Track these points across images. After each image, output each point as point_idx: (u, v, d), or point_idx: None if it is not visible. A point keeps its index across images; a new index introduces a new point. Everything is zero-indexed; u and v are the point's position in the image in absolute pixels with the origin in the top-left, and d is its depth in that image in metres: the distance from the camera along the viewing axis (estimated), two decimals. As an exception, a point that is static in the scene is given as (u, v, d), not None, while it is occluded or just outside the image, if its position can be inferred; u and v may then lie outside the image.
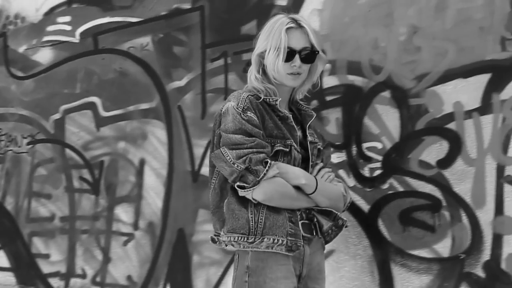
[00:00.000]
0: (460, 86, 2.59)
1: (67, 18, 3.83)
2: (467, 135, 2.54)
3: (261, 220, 2.12)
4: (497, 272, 2.46)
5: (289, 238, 2.12)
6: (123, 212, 3.40)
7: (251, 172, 2.08)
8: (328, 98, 2.87)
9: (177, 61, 3.34)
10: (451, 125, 2.57)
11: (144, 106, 3.42)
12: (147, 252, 3.27)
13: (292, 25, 2.23)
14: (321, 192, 2.21)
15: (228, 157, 2.10)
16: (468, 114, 2.55)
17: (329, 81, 2.88)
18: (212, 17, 3.25)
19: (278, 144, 2.18)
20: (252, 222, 2.12)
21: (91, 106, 3.62)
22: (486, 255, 2.48)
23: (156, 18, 3.45)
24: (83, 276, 3.52)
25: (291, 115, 2.27)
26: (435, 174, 2.59)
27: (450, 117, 2.58)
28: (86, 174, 3.59)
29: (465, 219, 2.52)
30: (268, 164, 2.09)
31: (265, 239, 2.10)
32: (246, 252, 2.13)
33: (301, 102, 2.39)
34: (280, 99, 2.23)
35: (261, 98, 2.19)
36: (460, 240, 2.52)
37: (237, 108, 2.14)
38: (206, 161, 3.11)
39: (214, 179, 2.25)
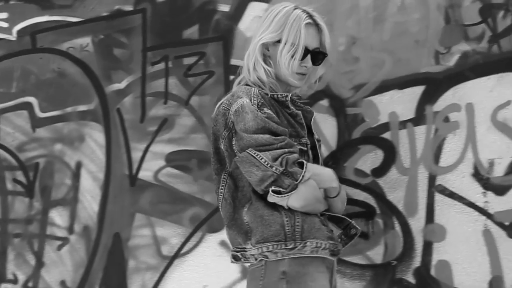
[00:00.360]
0: (396, 97, 2.65)
1: (4, 15, 3.71)
2: (401, 145, 2.62)
3: (298, 224, 1.92)
4: (427, 279, 2.54)
5: (330, 242, 1.96)
6: (58, 216, 3.33)
7: (287, 175, 1.88)
8: (267, 104, 2.89)
9: (117, 63, 3.30)
10: (386, 135, 2.64)
11: (82, 108, 3.35)
12: (82, 257, 3.21)
13: (309, 21, 2.10)
14: (340, 196, 2.08)
15: (263, 160, 1.87)
16: (403, 124, 2.63)
17: (269, 88, 2.90)
18: (154, 20, 3.23)
19: (296, 144, 2.00)
20: (288, 226, 1.91)
21: (27, 106, 3.52)
22: (417, 261, 2.55)
23: (97, 19, 3.39)
24: (15, 281, 3.42)
25: (300, 112, 2.13)
26: (370, 182, 2.64)
27: (385, 127, 2.65)
28: (20, 176, 3.49)
29: (397, 226, 2.59)
30: (305, 165, 1.91)
31: (308, 243, 1.90)
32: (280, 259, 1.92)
33: (298, 100, 2.27)
34: (290, 95, 2.10)
35: (268, 94, 2.04)
36: (393, 247, 2.59)
37: (253, 105, 1.95)
38: (145, 165, 3.10)
39: (221, 189, 2.06)
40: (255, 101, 1.95)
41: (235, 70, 2.90)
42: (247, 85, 2.10)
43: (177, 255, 2.97)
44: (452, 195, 2.51)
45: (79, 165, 3.30)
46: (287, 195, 1.87)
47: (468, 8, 2.62)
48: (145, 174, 3.09)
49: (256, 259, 1.95)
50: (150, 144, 3.11)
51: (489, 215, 2.46)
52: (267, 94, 2.03)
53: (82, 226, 3.24)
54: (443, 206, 2.52)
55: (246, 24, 3.00)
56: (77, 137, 3.34)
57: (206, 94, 3.03)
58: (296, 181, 1.87)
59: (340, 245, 2.02)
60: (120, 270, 3.10)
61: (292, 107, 2.09)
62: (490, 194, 2.47)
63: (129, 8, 3.31)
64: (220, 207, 2.10)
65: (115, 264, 3.12)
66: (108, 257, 3.15)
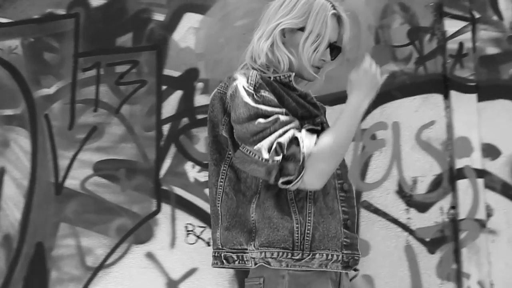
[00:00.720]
0: (326, 113, 2.68)
1: None
2: (329, 160, 2.65)
3: (308, 231, 1.70)
4: (351, 293, 2.58)
5: (345, 252, 1.75)
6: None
7: (289, 159, 1.68)
8: (199, 116, 2.89)
9: (47, 68, 3.22)
10: (315, 150, 2.66)
11: (8, 112, 3.24)
12: (1, 267, 3.09)
13: (334, 11, 1.92)
14: None
15: (256, 156, 1.68)
16: (331, 140, 2.66)
17: (201, 100, 2.90)
18: (87, 26, 3.17)
19: (306, 125, 1.80)
20: (298, 233, 1.70)
21: (-50, 109, 3.40)
22: (341, 277, 2.58)
23: (27, 21, 3.30)
24: None
25: (310, 92, 1.97)
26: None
27: (314, 142, 2.68)
28: None
29: (323, 241, 2.61)
30: (301, 140, 1.70)
31: (317, 255, 1.71)
32: (280, 274, 1.71)
33: (312, 95, 2.02)
34: (293, 74, 1.89)
35: (270, 77, 1.85)
36: (317, 262, 2.61)
37: (247, 88, 1.76)
38: (72, 173, 3.03)
39: (221, 182, 1.85)
40: (251, 82, 1.77)
41: (168, 80, 2.92)
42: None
43: (101, 266, 2.91)
44: (376, 211, 2.57)
45: (2, 171, 3.19)
46: (299, 180, 1.67)
47: (397, 30, 2.71)
48: (72, 182, 3.02)
49: (255, 264, 1.74)
50: (78, 152, 3.04)
51: (411, 231, 2.53)
52: (269, 77, 1.84)
53: (3, 234, 3.13)
54: (368, 221, 2.57)
55: (181, 34, 2.99)
56: (1, 142, 3.23)
57: (138, 103, 3.00)
58: (299, 161, 1.66)
59: (359, 254, 1.80)
60: (41, 280, 3.00)
61: (298, 87, 1.91)
62: (412, 211, 2.55)
63: (61, 12, 3.23)
64: (218, 203, 1.86)
65: (37, 275, 3.02)
66: (29, 267, 3.04)
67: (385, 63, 2.69)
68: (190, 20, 2.99)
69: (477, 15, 2.68)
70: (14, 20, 3.32)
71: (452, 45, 2.66)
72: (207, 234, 2.79)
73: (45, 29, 3.26)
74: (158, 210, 2.87)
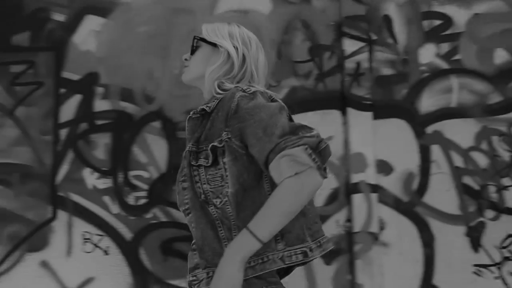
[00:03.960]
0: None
1: None
2: (230, 171, 2.69)
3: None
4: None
5: None
6: None
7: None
8: (99, 122, 2.84)
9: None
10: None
11: None
12: None
13: None
14: None
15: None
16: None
17: (101, 105, 2.85)
18: (-22, 22, 3.02)
19: None
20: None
21: None
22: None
23: None
24: None
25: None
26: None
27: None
28: None
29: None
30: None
31: None
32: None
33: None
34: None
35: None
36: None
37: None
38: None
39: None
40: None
41: (67, 83, 2.85)
42: None
43: (-8, 275, 2.80)
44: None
45: None
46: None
47: (298, 46, 2.79)
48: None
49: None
50: (-32, 154, 2.90)
51: (307, 243, 2.62)
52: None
53: None
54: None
55: (82, 37, 2.92)
56: None
57: (34, 105, 2.90)
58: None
59: None
60: None
61: None
62: (309, 223, 2.63)
63: (-49, 4, 3.06)
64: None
65: None
66: None
67: (287, 77, 2.76)
68: (92, 23, 2.93)
69: (374, 37, 2.80)
70: None
71: (350, 64, 2.77)
72: (104, 242, 2.75)
73: None
74: (54, 217, 2.80)
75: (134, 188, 2.76)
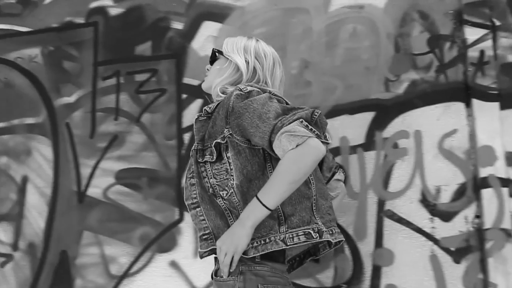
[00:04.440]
0: (347, 121, 2.71)
1: None
2: (351, 169, 2.66)
3: None
4: (375, 302, 2.60)
5: None
6: (2, 232, 3.23)
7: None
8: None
9: (67, 76, 3.24)
10: (337, 159, 2.68)
11: (30, 120, 3.28)
12: (27, 275, 3.13)
13: None
14: None
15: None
16: (353, 149, 2.68)
17: (222, 108, 2.91)
18: (106, 34, 3.19)
19: None
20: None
21: (-28, 117, 3.43)
22: (366, 285, 2.60)
23: (46, 30, 3.33)
24: (-45, 298, 3.32)
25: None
26: (320, 206, 2.68)
27: (336, 151, 2.69)
28: (-34, 190, 3.39)
29: (347, 250, 2.63)
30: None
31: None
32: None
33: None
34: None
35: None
36: (342, 271, 2.63)
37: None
38: (94, 182, 3.06)
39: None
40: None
41: (188, 88, 2.94)
42: None
43: (125, 274, 2.94)
44: (400, 220, 2.57)
45: (25, 180, 3.23)
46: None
47: (416, 38, 2.71)
48: (94, 191, 3.05)
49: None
50: (100, 161, 3.07)
51: (435, 241, 2.53)
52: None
53: (28, 243, 3.16)
54: (392, 231, 2.58)
55: (200, 43, 3.01)
56: (23, 150, 3.27)
57: (158, 112, 3.02)
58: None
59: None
60: (66, 288, 3.05)
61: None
62: (436, 220, 2.55)
63: (80, 20, 3.26)
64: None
65: (62, 283, 3.06)
66: (54, 276, 3.08)
67: (406, 71, 2.69)
68: (209, 29, 3.00)
69: (497, 23, 2.66)
70: (34, 29, 3.35)
71: (473, 53, 2.64)
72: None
73: (64, 37, 3.29)
74: (181, 219, 2.89)
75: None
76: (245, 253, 1.89)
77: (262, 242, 1.89)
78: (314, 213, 1.95)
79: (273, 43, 2.79)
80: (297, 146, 1.77)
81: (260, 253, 1.88)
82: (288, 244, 1.87)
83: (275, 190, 1.82)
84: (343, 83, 2.74)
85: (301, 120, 1.81)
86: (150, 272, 2.91)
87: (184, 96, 2.99)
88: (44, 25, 3.34)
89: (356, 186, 2.65)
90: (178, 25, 3.06)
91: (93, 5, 3.24)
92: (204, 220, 2.02)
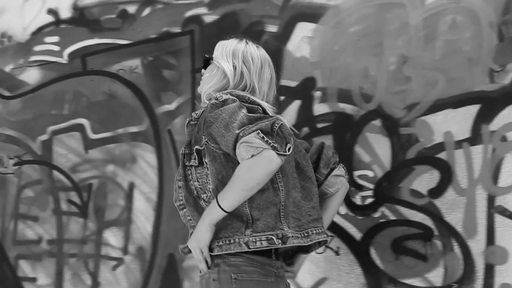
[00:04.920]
0: (450, 116, 2.63)
1: (55, 38, 3.81)
2: (458, 165, 2.58)
3: None
4: (490, 302, 2.50)
5: None
6: (112, 236, 3.39)
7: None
8: (319, 125, 2.90)
9: (166, 85, 3.35)
10: (442, 155, 2.61)
11: (133, 129, 3.41)
12: (137, 277, 3.26)
13: None
14: None
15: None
16: (459, 144, 2.60)
17: (320, 109, 2.91)
18: (202, 41, 3.27)
19: None
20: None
21: (80, 128, 3.61)
22: (478, 285, 2.51)
23: (145, 41, 3.45)
24: (72, 301, 3.50)
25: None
26: (426, 203, 2.62)
27: (440, 146, 2.62)
28: (74, 196, 3.57)
29: (457, 248, 2.56)
30: None
31: None
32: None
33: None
34: None
35: None
36: (452, 270, 2.56)
37: None
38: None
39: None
40: None
41: (285, 90, 2.95)
42: None
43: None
44: (512, 216, 2.47)
45: (131, 186, 3.36)
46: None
47: (522, 25, 2.59)
48: (198, 195, 3.11)
49: None
50: (202, 165, 3.13)
51: (551, 236, 2.42)
52: None
53: (137, 246, 3.29)
54: (504, 227, 2.48)
55: (295, 44, 3.01)
56: (129, 158, 3.40)
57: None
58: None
59: None
60: (175, 290, 3.14)
61: None
62: (552, 215, 2.43)
63: (177, 30, 3.36)
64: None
65: (170, 285, 3.16)
66: (163, 278, 3.18)
67: (511, 61, 2.58)
68: (303, 30, 3.00)
69: None
70: (133, 41, 3.47)
71: None
72: (334, 243, 2.79)
73: (162, 47, 3.40)
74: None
75: (360, 188, 2.77)
76: (210, 250, 2.01)
77: (227, 242, 1.99)
78: (282, 219, 2.02)
79: (369, 40, 2.80)
80: (252, 156, 1.86)
81: (224, 252, 1.99)
82: (251, 247, 1.97)
83: (230, 195, 1.94)
84: (444, 77, 2.66)
85: (258, 132, 1.87)
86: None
87: (282, 98, 3.00)
88: (142, 36, 3.46)
89: (463, 182, 2.56)
90: (272, 28, 3.08)
91: (188, 14, 3.32)
92: (191, 220, 2.14)
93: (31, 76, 3.85)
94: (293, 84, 2.98)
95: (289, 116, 2.96)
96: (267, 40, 3.08)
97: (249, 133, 1.88)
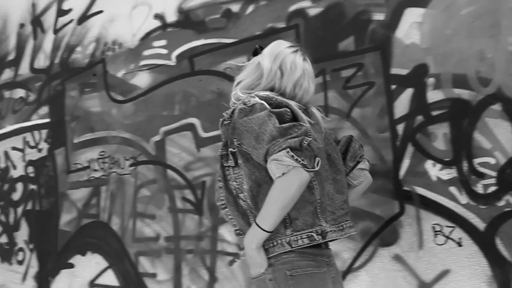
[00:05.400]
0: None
1: (162, 42, 3.93)
2: None
3: None
4: None
5: None
6: (227, 232, 3.44)
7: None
8: (434, 113, 2.80)
9: (274, 80, 3.34)
10: None
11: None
12: (254, 272, 3.28)
13: None
14: None
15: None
16: None
17: (434, 96, 2.81)
18: (307, 35, 3.25)
19: None
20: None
21: (191, 127, 3.69)
22: None
23: (250, 38, 3.47)
24: (191, 296, 3.59)
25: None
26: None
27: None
28: (188, 194, 3.66)
29: None
30: None
31: None
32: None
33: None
34: None
35: None
36: None
37: None
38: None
39: None
40: None
41: (396, 79, 2.88)
42: None
43: (349, 270, 2.96)
44: None
45: (244, 183, 3.38)
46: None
47: None
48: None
49: None
50: (314, 159, 3.11)
51: None
52: None
53: (252, 242, 3.31)
54: None
55: (404, 31, 2.93)
56: (240, 155, 3.43)
57: (368, 106, 3.00)
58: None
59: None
60: (292, 284, 3.12)
61: None
62: None
63: (281, 25, 3.36)
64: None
65: (287, 279, 3.15)
66: (279, 272, 3.18)
67: None
68: (412, 15, 2.92)
69: None
70: (239, 39, 3.51)
71: None
72: (456, 234, 2.70)
73: (268, 43, 3.38)
74: (401, 212, 2.84)
75: (482, 176, 2.65)
76: None
77: (271, 245, 2.06)
78: (319, 215, 2.09)
79: (484, 21, 2.67)
80: (283, 174, 1.93)
81: (271, 255, 2.05)
82: (293, 246, 2.04)
83: (269, 215, 2.00)
84: None
85: (287, 150, 1.92)
86: (374, 266, 2.90)
87: (393, 87, 2.93)
88: (247, 34, 3.49)
89: None
90: (379, 16, 3.02)
91: (292, 8, 3.32)
92: (232, 219, 2.20)
93: (142, 80, 3.99)
94: (404, 72, 2.91)
95: (401, 105, 2.89)
96: (375, 29, 3.02)
97: (279, 150, 1.93)
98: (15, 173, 4.77)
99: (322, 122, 2.30)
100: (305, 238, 2.05)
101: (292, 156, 1.92)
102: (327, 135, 2.30)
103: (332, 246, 2.93)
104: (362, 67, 3.04)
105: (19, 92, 4.86)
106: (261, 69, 2.25)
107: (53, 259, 4.35)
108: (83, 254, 4.18)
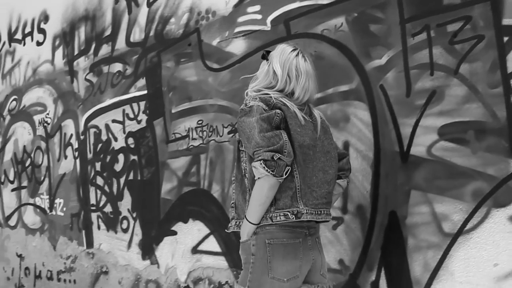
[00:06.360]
0: None
1: (256, 8, 3.89)
2: None
3: None
4: None
5: None
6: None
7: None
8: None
9: (375, 39, 3.25)
10: None
11: (344, 88, 3.37)
12: (358, 236, 3.23)
13: None
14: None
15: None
16: None
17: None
18: (409, -10, 3.11)
19: None
20: None
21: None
22: None
23: (348, -3, 3.37)
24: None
25: None
26: None
27: None
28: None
29: None
30: None
31: None
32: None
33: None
34: None
35: None
36: None
37: None
38: (416, 141, 3.02)
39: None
40: None
41: (509, 30, 2.71)
42: None
43: (460, 232, 2.84)
44: None
45: (346, 145, 3.32)
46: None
47: None
48: (418, 149, 3.00)
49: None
50: (420, 119, 3.01)
51: None
52: None
53: (355, 205, 3.26)
54: None
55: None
56: (341, 117, 3.37)
57: (477, 61, 2.84)
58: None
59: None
60: (399, 248, 3.06)
61: None
62: None
63: (380, -19, 3.23)
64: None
65: (393, 242, 3.09)
66: (385, 236, 3.12)
67: None
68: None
69: None
70: (336, 0, 3.41)
71: None
72: None
73: (366, 2, 3.29)
74: (519, 171, 2.69)
75: None
76: None
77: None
78: (298, 199, 2.57)
79: None
80: (258, 178, 2.49)
81: (257, 226, 2.56)
82: (274, 221, 2.54)
83: (253, 211, 2.54)
84: None
85: (260, 162, 2.46)
86: (488, 228, 2.76)
87: (506, 39, 2.76)
88: (346, -7, 3.38)
89: None
90: (489, -35, 2.83)
91: (394, -37, 3.18)
92: (234, 193, 2.73)
93: (237, 46, 3.98)
94: (517, 22, 2.73)
95: (516, 57, 2.71)
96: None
97: (257, 160, 2.47)
98: (116, 145, 4.89)
99: (320, 120, 2.75)
100: (282, 215, 2.54)
101: (264, 167, 2.45)
102: (327, 133, 2.79)
103: (440, 208, 2.86)
104: (470, 20, 2.88)
105: (117, 66, 4.97)
106: (274, 75, 2.70)
107: (156, 227, 4.46)
108: (185, 221, 4.25)
